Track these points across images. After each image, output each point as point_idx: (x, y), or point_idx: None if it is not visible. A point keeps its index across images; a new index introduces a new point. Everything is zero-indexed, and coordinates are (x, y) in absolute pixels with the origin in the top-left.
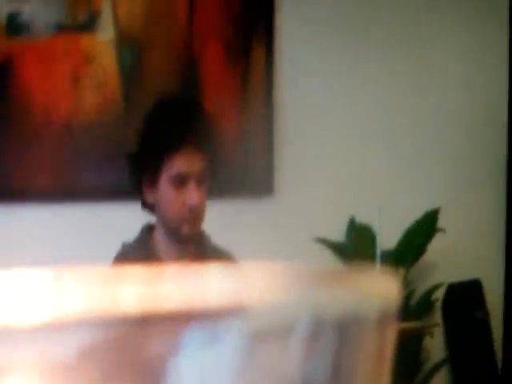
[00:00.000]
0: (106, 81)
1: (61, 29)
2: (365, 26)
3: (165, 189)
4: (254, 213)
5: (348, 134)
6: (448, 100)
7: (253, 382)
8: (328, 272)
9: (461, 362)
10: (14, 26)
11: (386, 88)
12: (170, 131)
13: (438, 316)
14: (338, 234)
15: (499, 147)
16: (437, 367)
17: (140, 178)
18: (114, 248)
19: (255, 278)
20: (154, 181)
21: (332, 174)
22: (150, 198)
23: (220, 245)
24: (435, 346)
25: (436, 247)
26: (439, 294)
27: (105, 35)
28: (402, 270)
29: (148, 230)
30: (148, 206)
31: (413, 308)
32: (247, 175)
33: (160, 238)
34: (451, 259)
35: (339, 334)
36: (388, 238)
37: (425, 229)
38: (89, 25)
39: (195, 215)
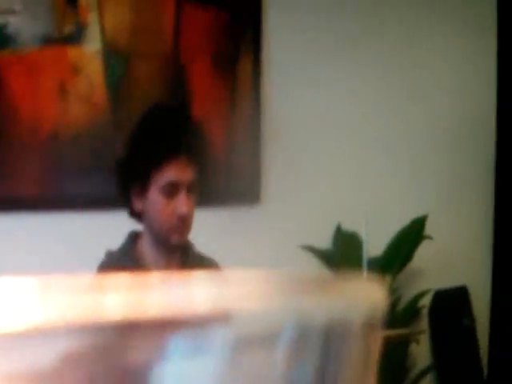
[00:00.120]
0: (93, 92)
1: (48, 41)
2: (354, 34)
3: (155, 198)
4: (240, 221)
5: (335, 142)
6: (435, 107)
7: None
8: (314, 279)
9: (447, 368)
10: (1, 38)
11: (374, 96)
12: (161, 140)
13: (424, 323)
14: (325, 241)
15: (487, 155)
16: (423, 374)
17: (128, 186)
18: (100, 257)
19: (240, 285)
20: (143, 189)
21: (318, 182)
22: (138, 206)
23: (205, 253)
24: (421, 352)
25: (423, 254)
26: (426, 300)
27: (92, 47)
28: (388, 277)
29: (133, 239)
30: (136, 215)
31: (399, 315)
32: (234, 184)
33: (146, 247)
34: (438, 266)
35: (325, 341)
36: (375, 245)
37: (412, 236)
38: (76, 37)
39: (184, 224)
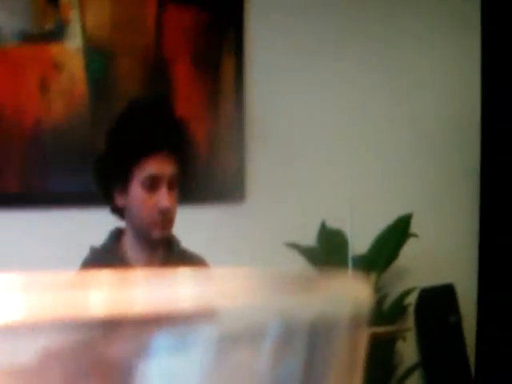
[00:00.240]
0: (74, 88)
1: (29, 38)
2: (337, 34)
3: (136, 192)
4: (225, 219)
5: (319, 140)
6: (421, 106)
7: None
8: (299, 277)
9: (433, 366)
10: None
11: (358, 96)
12: (142, 134)
13: (410, 321)
14: (310, 239)
15: (472, 153)
16: (409, 371)
17: (110, 181)
18: (83, 253)
19: (225, 282)
20: (124, 184)
21: (303, 180)
22: (120, 201)
23: (190, 250)
24: (408, 350)
25: (408, 252)
26: (411, 298)
27: (73, 44)
28: (374, 275)
29: (117, 235)
30: (118, 211)
31: (385, 313)
32: (219, 182)
33: (129, 243)
34: (424, 264)
35: (311, 338)
36: (360, 243)
37: (397, 234)
38: (57, 33)
39: (166, 219)
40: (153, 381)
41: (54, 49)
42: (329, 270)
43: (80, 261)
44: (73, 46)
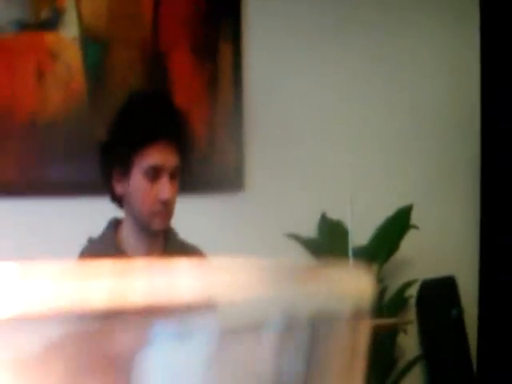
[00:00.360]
0: (70, 77)
1: (24, 26)
2: (336, 21)
3: (137, 181)
4: (224, 209)
5: (319, 130)
6: (421, 97)
7: (223, 379)
8: (300, 268)
9: (435, 359)
10: None
11: (358, 85)
12: (142, 123)
13: (411, 313)
14: (310, 229)
15: (473, 144)
16: (411, 364)
17: (110, 168)
18: (81, 243)
19: (225, 273)
20: (125, 173)
21: (303, 170)
22: (119, 190)
23: (188, 240)
24: (409, 343)
25: (409, 244)
26: (413, 290)
27: (69, 33)
28: (374, 267)
29: (115, 225)
30: (117, 199)
31: (386, 305)
32: (217, 171)
33: (127, 233)
34: (425, 256)
35: (312, 331)
36: (360, 234)
37: (398, 225)
38: (53, 22)
39: (166, 209)
40: (153, 372)
41: (50, 38)
42: (329, 261)
43: (78, 251)
44: (69, 35)
